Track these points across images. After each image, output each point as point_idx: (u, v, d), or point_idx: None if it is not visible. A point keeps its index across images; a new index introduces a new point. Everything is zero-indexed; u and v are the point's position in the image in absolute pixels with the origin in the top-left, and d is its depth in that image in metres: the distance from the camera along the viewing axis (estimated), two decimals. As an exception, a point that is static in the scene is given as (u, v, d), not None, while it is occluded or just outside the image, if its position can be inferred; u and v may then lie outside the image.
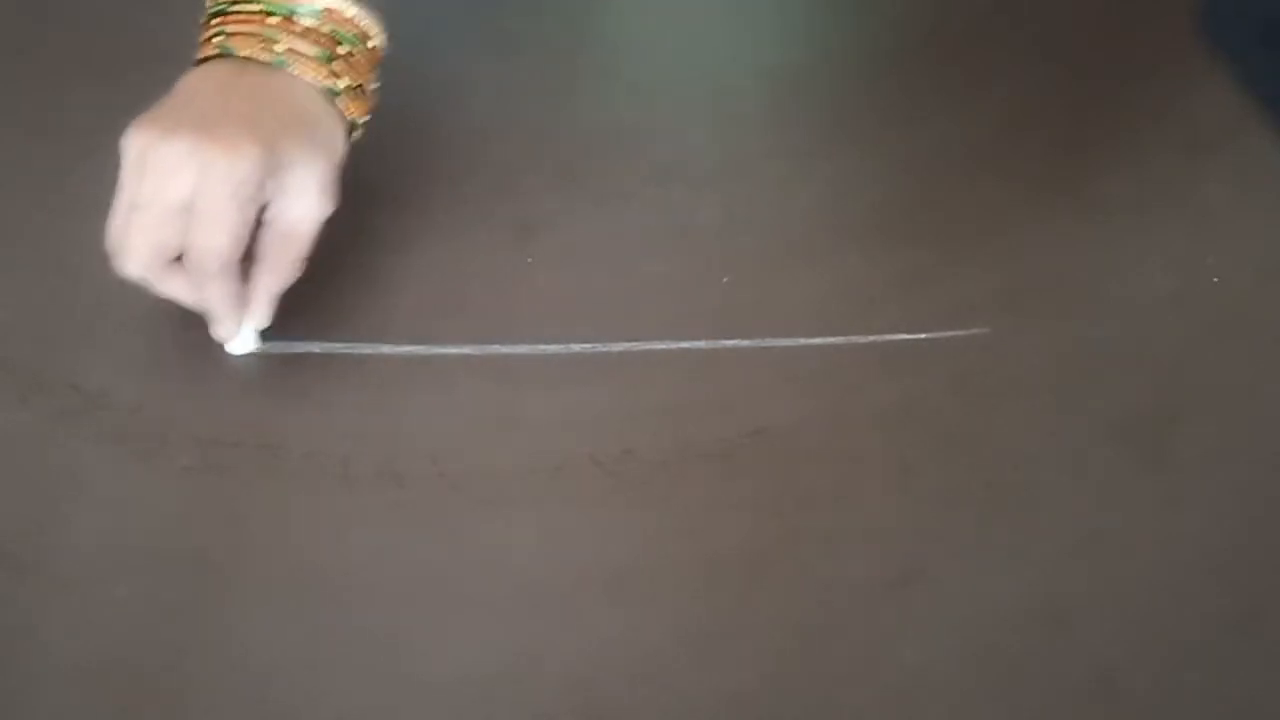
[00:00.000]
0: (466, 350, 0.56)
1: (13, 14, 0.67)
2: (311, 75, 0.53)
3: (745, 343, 0.56)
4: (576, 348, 0.56)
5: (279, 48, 0.52)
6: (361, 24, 0.54)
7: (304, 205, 0.52)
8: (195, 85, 0.53)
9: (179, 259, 0.51)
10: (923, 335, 0.56)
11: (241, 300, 0.53)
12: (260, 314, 0.53)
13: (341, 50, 0.53)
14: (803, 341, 0.56)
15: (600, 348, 0.56)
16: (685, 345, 0.56)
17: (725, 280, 0.58)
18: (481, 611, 0.49)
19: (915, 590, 0.50)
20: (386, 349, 0.56)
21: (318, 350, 0.55)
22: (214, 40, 0.53)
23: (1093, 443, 0.53)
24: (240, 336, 0.54)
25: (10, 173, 0.61)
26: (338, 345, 0.56)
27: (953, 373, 0.55)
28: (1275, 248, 0.60)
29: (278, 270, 0.53)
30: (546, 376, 0.55)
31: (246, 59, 0.52)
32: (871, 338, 0.56)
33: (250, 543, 0.50)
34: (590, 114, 0.65)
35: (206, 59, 0.53)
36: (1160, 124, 0.64)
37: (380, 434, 0.53)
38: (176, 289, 0.52)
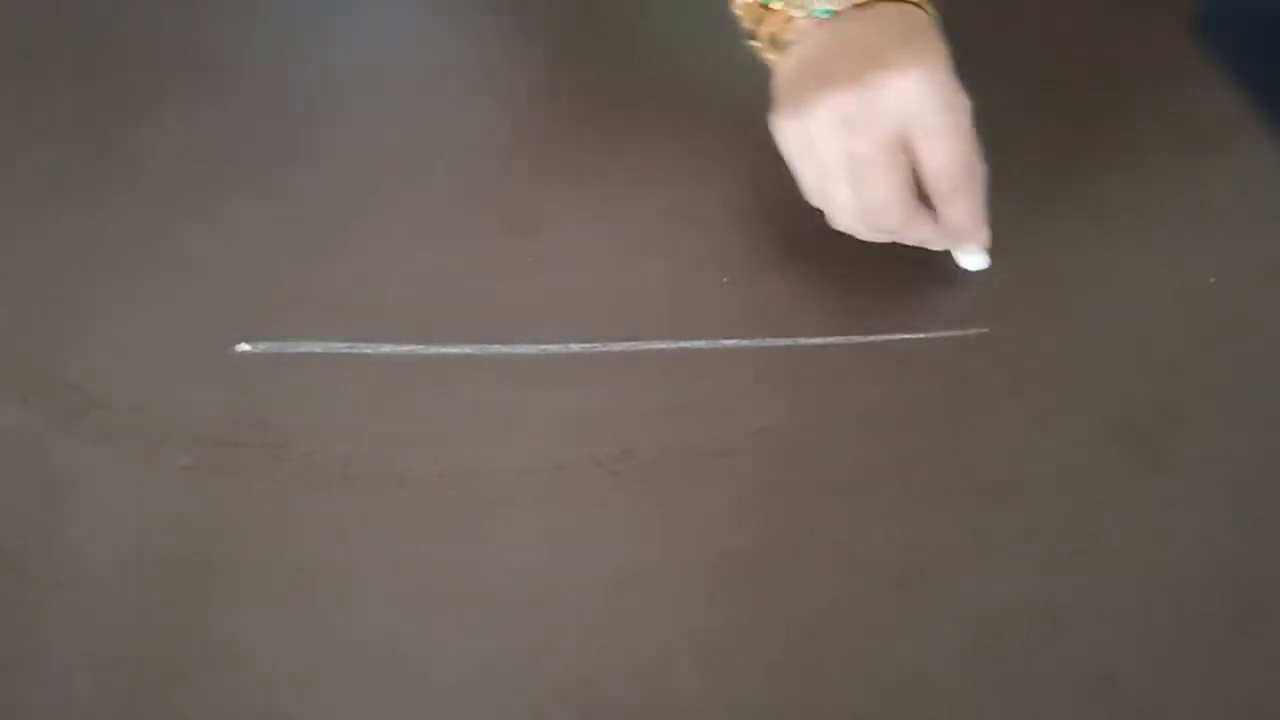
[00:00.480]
0: (466, 350, 0.56)
1: (13, 14, 0.67)
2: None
3: (745, 343, 0.56)
4: (576, 348, 0.56)
5: None
6: None
7: (959, 99, 0.52)
8: (819, 46, 0.53)
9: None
10: (922, 335, 0.56)
11: (983, 215, 0.54)
12: (982, 231, 0.55)
13: None
14: (803, 341, 0.56)
15: (600, 348, 0.56)
16: (685, 345, 0.56)
17: (725, 280, 0.58)
18: (481, 611, 0.49)
19: (915, 590, 0.50)
20: (386, 349, 0.56)
21: (318, 350, 0.56)
22: (797, 20, 0.54)
23: (1092, 443, 0.53)
24: (981, 254, 0.57)
25: (10, 173, 0.61)
26: (338, 345, 0.56)
27: (952, 373, 0.55)
28: (1275, 248, 0.60)
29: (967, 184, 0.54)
30: (546, 376, 0.55)
31: (844, 9, 0.53)
32: (871, 338, 0.56)
33: (250, 542, 0.50)
34: (590, 113, 0.65)
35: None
36: (1160, 124, 0.64)
37: (380, 434, 0.53)
38: (923, 230, 0.54)
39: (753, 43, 0.57)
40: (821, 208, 0.55)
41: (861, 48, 0.52)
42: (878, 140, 0.51)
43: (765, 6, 0.55)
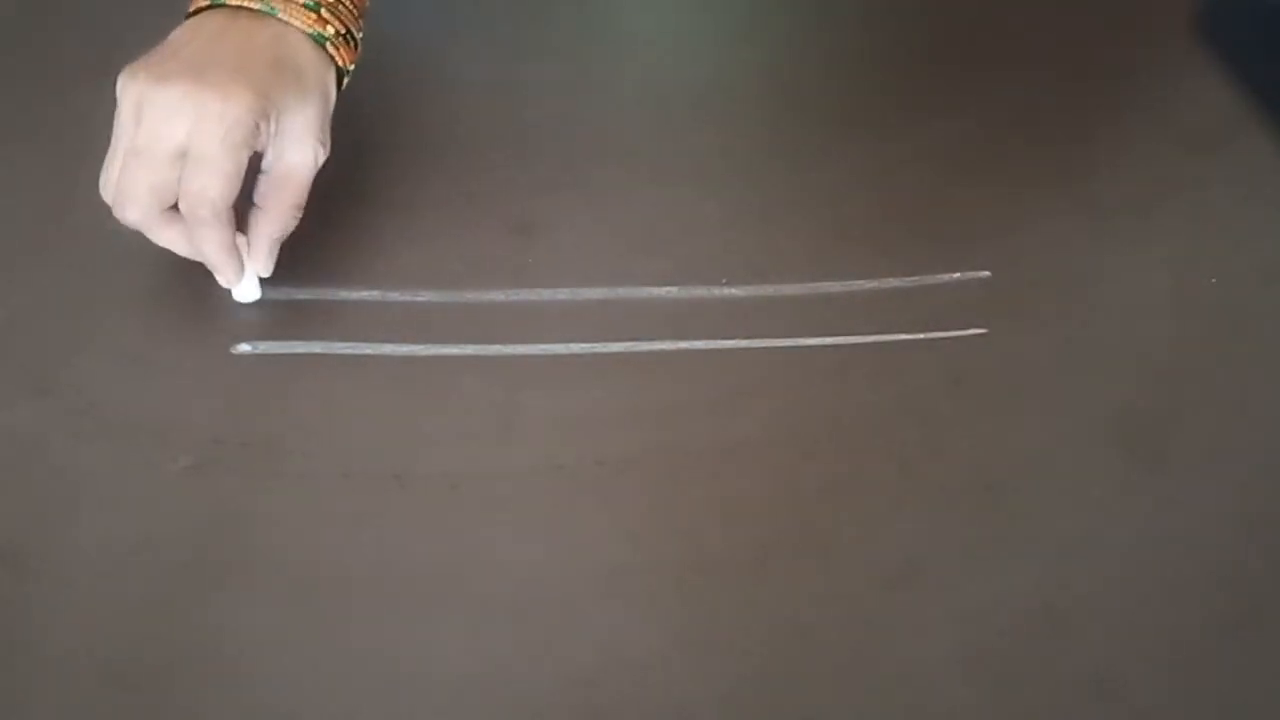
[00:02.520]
0: (466, 350, 0.56)
1: (13, 14, 0.67)
2: (300, 22, 0.53)
3: (745, 343, 0.56)
4: (576, 348, 0.56)
5: None
6: None
7: (299, 151, 0.54)
8: (188, 35, 0.54)
9: (175, 209, 0.52)
10: (922, 335, 0.56)
11: (238, 248, 0.54)
12: (261, 260, 0.55)
13: None
14: (803, 341, 0.56)
15: (600, 348, 0.56)
16: (685, 345, 0.56)
17: (725, 280, 0.58)
18: (481, 611, 0.49)
19: (915, 590, 0.50)
20: (387, 349, 0.56)
21: (318, 350, 0.56)
22: None
23: (1092, 443, 0.53)
24: (244, 284, 0.55)
25: (10, 173, 0.61)
26: (338, 345, 0.56)
27: (952, 373, 0.55)
28: (1275, 248, 0.60)
29: (276, 217, 0.54)
30: (546, 376, 0.55)
31: (237, 7, 0.53)
32: (871, 338, 0.56)
33: (250, 543, 0.50)
34: (590, 114, 0.65)
35: (198, 10, 0.54)
36: (1160, 124, 0.64)
37: (380, 434, 0.53)
38: (173, 238, 0.53)
39: None
40: (115, 182, 0.53)
41: (210, 53, 0.52)
42: (157, 141, 0.51)
43: None
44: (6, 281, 0.58)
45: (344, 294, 0.57)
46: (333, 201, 0.60)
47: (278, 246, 0.55)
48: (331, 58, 0.55)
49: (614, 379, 0.55)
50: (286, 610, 0.49)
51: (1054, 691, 0.47)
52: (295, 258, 0.57)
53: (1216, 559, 0.50)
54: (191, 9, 0.54)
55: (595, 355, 0.56)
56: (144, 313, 0.56)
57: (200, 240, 0.53)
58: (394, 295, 0.57)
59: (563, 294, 0.57)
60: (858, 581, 0.50)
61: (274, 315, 0.56)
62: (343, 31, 0.55)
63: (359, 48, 0.56)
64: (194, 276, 0.57)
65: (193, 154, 0.51)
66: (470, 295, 0.57)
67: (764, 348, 0.56)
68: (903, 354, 0.56)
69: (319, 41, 0.54)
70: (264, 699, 0.47)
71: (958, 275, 0.58)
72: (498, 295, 0.57)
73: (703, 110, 0.65)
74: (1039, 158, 0.63)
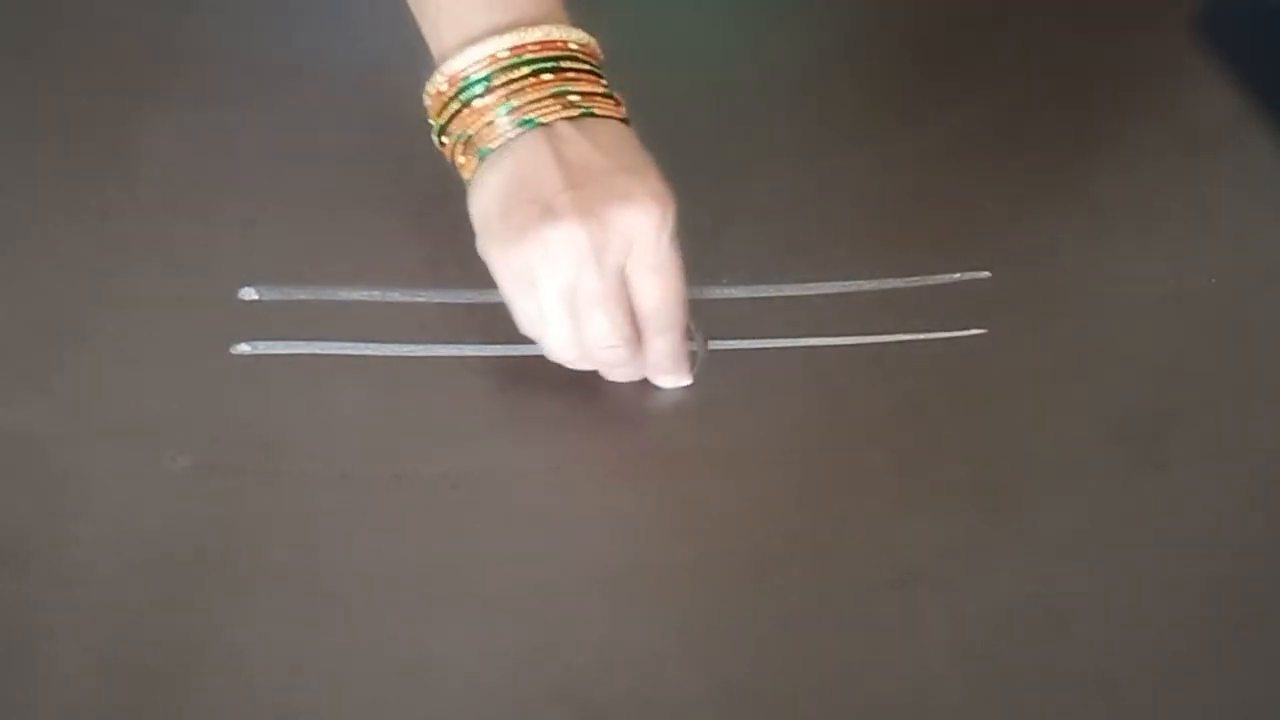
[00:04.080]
0: (466, 350, 0.56)
1: (13, 14, 0.67)
2: (607, 110, 0.50)
3: (745, 342, 0.56)
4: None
5: (575, 97, 0.49)
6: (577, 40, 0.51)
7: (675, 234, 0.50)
8: (538, 163, 0.48)
9: None
10: (922, 335, 0.56)
11: (684, 351, 0.53)
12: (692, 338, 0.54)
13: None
14: (803, 341, 0.56)
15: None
16: (685, 345, 0.56)
17: (725, 280, 0.58)
18: (482, 611, 0.49)
19: (915, 590, 0.50)
20: (387, 349, 0.56)
21: (317, 350, 0.56)
22: (499, 121, 0.49)
23: (1092, 443, 0.53)
24: (681, 377, 0.54)
25: (10, 173, 0.61)
26: (338, 345, 0.56)
27: (952, 373, 0.55)
28: (1274, 248, 0.60)
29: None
30: (546, 376, 0.55)
31: (551, 124, 0.49)
32: (871, 338, 0.56)
33: (250, 543, 0.50)
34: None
35: (503, 145, 0.49)
36: (1160, 124, 0.64)
37: (380, 434, 0.53)
38: (636, 370, 0.53)
39: (440, 139, 0.52)
40: (534, 339, 0.52)
41: (585, 172, 0.48)
42: (607, 276, 0.48)
43: (464, 103, 0.50)
44: (6, 281, 0.57)
45: (344, 294, 0.57)
46: (333, 202, 0.61)
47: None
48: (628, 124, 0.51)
49: (613, 379, 0.55)
50: (286, 610, 0.49)
51: (1054, 691, 0.47)
52: (295, 258, 0.58)
53: (1216, 559, 0.50)
54: (492, 144, 0.49)
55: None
56: (144, 313, 0.56)
57: (659, 348, 0.51)
58: (394, 295, 0.57)
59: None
60: (858, 581, 0.50)
61: (274, 315, 0.56)
62: (607, 94, 0.51)
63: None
64: (194, 276, 0.57)
65: (641, 268, 0.48)
66: (470, 295, 0.57)
67: (764, 348, 0.56)
68: (903, 354, 0.56)
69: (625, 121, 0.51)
70: (264, 699, 0.47)
71: (958, 275, 0.58)
72: (498, 295, 0.57)
73: (701, 110, 0.65)
74: (1039, 157, 0.63)
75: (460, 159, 0.51)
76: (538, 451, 0.53)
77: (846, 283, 0.58)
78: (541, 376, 0.55)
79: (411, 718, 0.47)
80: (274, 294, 0.57)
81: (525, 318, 0.51)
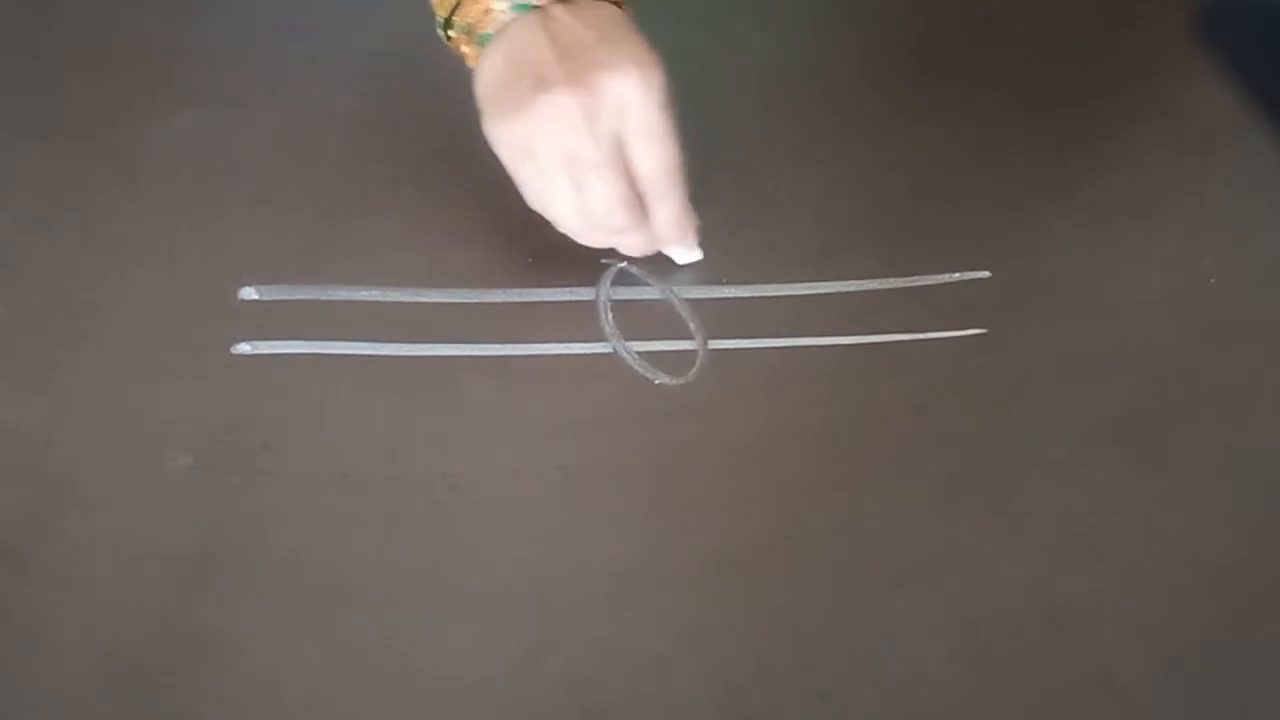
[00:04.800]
0: (466, 350, 0.56)
1: (13, 14, 0.67)
2: None
3: (745, 343, 0.56)
4: (576, 348, 0.56)
5: None
6: None
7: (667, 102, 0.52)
8: (525, 42, 0.52)
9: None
10: (922, 335, 0.56)
11: (689, 214, 0.55)
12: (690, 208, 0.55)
13: None
14: (803, 341, 0.56)
15: (600, 348, 0.56)
16: (685, 345, 0.56)
17: (725, 280, 0.58)
18: (481, 611, 0.49)
19: (915, 590, 0.50)
20: (387, 349, 0.56)
21: (318, 350, 0.56)
22: (495, 8, 0.52)
23: (1092, 443, 0.53)
24: (692, 250, 0.57)
25: (10, 173, 0.61)
26: (338, 345, 0.56)
27: (952, 373, 0.55)
28: (1274, 248, 0.60)
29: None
30: (546, 376, 0.55)
31: (546, 4, 0.52)
32: (871, 338, 0.56)
33: (250, 543, 0.50)
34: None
35: (499, 30, 0.52)
36: (1160, 124, 0.64)
37: (380, 434, 0.53)
38: (647, 239, 0.54)
39: (446, 33, 0.55)
40: (541, 212, 0.54)
41: (573, 46, 0.51)
42: (600, 141, 0.51)
43: None
44: (6, 281, 0.57)
45: (344, 294, 0.57)
46: (333, 202, 0.61)
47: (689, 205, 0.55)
48: (625, 9, 0.54)
49: (614, 379, 0.55)
50: (286, 610, 0.49)
51: (1054, 691, 0.47)
52: (295, 258, 0.58)
53: (1217, 558, 0.51)
54: (490, 29, 0.53)
55: (595, 355, 0.56)
56: (143, 312, 0.56)
57: (665, 214, 0.53)
58: (394, 295, 0.57)
59: (563, 294, 0.57)
60: (858, 581, 0.50)
61: (274, 315, 0.56)
62: None
63: None
64: (194, 276, 0.57)
65: (633, 134, 0.51)
66: (470, 295, 0.57)
67: (764, 348, 0.56)
68: (903, 354, 0.56)
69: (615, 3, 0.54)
70: (263, 699, 0.47)
71: (958, 275, 0.58)
72: (498, 295, 0.57)
73: (701, 110, 0.65)
74: (1039, 158, 0.63)
75: (465, 49, 0.54)
76: (538, 451, 0.53)
77: (846, 283, 0.58)
78: (541, 377, 0.55)
79: (412, 717, 0.47)
80: (274, 294, 0.57)
81: (530, 191, 0.53)
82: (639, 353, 0.56)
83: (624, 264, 0.58)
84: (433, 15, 0.55)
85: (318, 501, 0.51)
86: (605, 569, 0.50)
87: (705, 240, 0.58)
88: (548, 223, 0.57)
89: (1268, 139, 0.63)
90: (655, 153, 0.51)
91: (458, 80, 0.65)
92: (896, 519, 0.51)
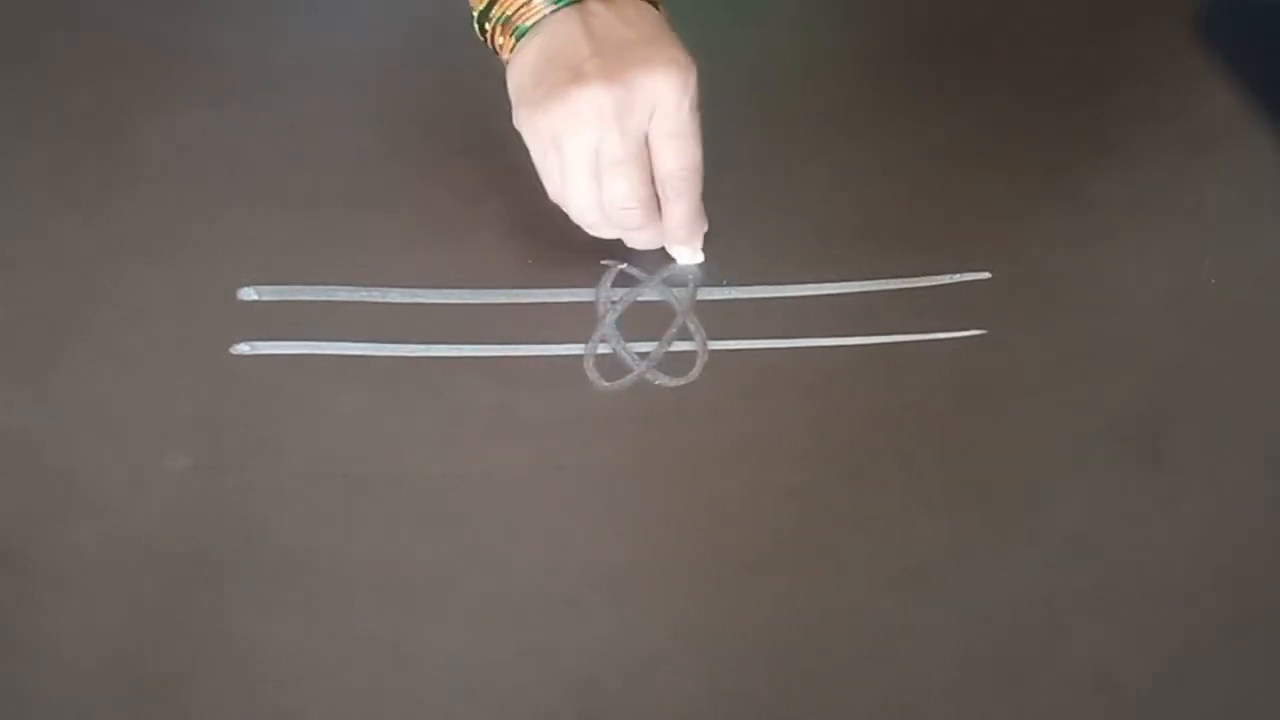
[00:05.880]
0: (466, 350, 0.56)
1: (13, 14, 0.67)
2: None
3: (745, 343, 0.56)
4: (576, 348, 0.56)
5: None
6: None
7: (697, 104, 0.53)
8: (568, 38, 0.52)
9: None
10: (922, 335, 0.56)
11: (701, 216, 0.55)
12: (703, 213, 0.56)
13: None
14: (803, 342, 0.56)
15: (600, 348, 0.56)
16: (685, 346, 0.56)
17: (725, 280, 0.58)
18: (481, 611, 0.49)
19: (915, 590, 0.50)
20: (386, 349, 0.56)
21: (318, 350, 0.56)
22: (535, 4, 0.52)
23: (1092, 443, 0.53)
24: (695, 249, 0.57)
25: (10, 173, 0.61)
26: (338, 345, 0.56)
27: (952, 373, 0.55)
28: (1274, 249, 0.60)
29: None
30: (546, 376, 0.55)
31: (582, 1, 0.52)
32: (871, 338, 0.56)
33: (251, 543, 0.50)
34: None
35: (534, 24, 0.53)
36: (1160, 124, 0.64)
37: (380, 434, 0.53)
38: (656, 236, 0.55)
39: (482, 25, 0.55)
40: (560, 203, 0.55)
41: (611, 42, 0.51)
42: (628, 139, 0.51)
43: None
44: (6, 281, 0.58)
45: (344, 294, 0.57)
46: (333, 202, 0.60)
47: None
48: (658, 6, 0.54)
49: (613, 379, 0.55)
50: (286, 610, 0.49)
51: (1054, 691, 0.47)
52: (295, 258, 0.58)
53: (1216, 559, 0.50)
54: (529, 21, 0.53)
55: (595, 355, 0.56)
56: (143, 312, 0.56)
57: (678, 214, 0.54)
58: (394, 296, 0.57)
59: (562, 294, 0.57)
60: (858, 581, 0.50)
61: (273, 315, 0.56)
62: None
63: None
64: (194, 276, 0.57)
65: (662, 133, 0.51)
66: (470, 295, 0.57)
67: (764, 348, 0.56)
68: (903, 354, 0.56)
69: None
70: (264, 698, 0.47)
71: (958, 275, 0.58)
72: (497, 295, 0.57)
73: (701, 110, 0.65)
74: (1039, 158, 0.63)
75: (500, 40, 0.54)
76: (537, 451, 0.53)
77: (846, 283, 0.58)
78: (541, 377, 0.55)
79: (412, 717, 0.47)
80: (274, 294, 0.57)
81: (552, 182, 0.54)
82: (639, 353, 0.56)
83: (624, 265, 0.58)
84: (469, 9, 0.55)
85: (318, 501, 0.51)
86: (605, 569, 0.50)
87: (705, 240, 0.58)
88: (548, 223, 0.57)
89: (1268, 139, 0.63)
90: (681, 153, 0.52)
91: (458, 80, 0.65)
92: (896, 519, 0.51)
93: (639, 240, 0.56)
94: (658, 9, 0.54)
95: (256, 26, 0.68)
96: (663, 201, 0.54)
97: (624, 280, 0.58)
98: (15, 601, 0.49)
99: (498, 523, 0.51)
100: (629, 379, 0.55)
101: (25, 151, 0.62)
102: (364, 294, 0.57)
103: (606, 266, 0.58)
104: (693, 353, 0.55)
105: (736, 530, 0.51)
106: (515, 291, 0.57)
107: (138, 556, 0.50)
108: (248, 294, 0.57)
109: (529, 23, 0.53)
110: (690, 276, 0.58)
